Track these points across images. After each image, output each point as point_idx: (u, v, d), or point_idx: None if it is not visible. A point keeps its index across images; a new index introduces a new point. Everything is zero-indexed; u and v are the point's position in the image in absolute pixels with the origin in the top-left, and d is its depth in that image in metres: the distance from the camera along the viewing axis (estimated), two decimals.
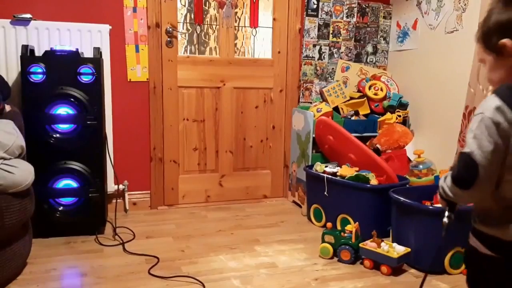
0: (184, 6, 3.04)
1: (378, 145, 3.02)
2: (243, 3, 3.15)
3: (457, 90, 2.73)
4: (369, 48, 3.43)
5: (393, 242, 2.20)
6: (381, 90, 3.20)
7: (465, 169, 1.02)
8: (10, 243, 1.89)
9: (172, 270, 2.10)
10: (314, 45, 3.28)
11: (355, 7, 3.34)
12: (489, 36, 1.10)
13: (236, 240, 2.53)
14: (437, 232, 2.08)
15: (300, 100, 3.31)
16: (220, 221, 2.85)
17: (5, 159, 1.86)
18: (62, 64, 2.40)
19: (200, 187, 3.18)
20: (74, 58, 2.44)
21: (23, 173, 1.91)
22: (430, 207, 2.23)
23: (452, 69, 2.84)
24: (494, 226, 1.06)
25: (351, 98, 3.22)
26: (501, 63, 1.09)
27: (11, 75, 2.51)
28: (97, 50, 2.55)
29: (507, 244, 1.05)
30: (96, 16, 2.72)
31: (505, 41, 1.05)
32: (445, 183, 1.09)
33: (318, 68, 3.32)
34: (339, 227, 2.56)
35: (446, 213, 1.18)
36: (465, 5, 2.76)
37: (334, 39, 3.33)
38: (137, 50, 2.86)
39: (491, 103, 1.02)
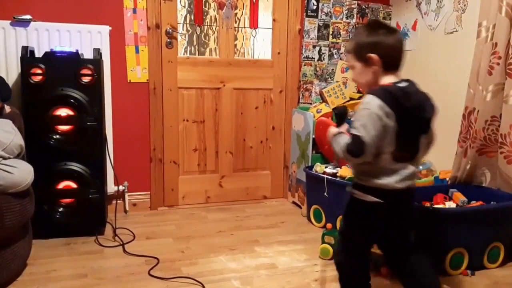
0: (184, 7, 3.04)
1: None
2: (243, 4, 3.16)
3: (456, 91, 2.74)
4: None
5: None
6: None
7: (357, 146, 1.47)
8: (10, 244, 1.89)
9: (172, 271, 2.10)
10: (314, 46, 3.29)
11: (355, 8, 3.34)
12: (361, 50, 1.57)
13: (236, 241, 2.53)
14: (437, 233, 2.09)
15: (300, 101, 3.31)
16: (220, 222, 2.85)
17: (3, 157, 1.86)
18: (62, 65, 2.40)
19: (200, 188, 3.19)
20: (74, 59, 2.44)
21: (23, 173, 1.91)
22: (430, 208, 2.23)
23: (452, 70, 2.85)
24: (381, 179, 1.53)
25: (351, 99, 3.22)
26: (367, 70, 1.57)
27: (11, 76, 2.51)
28: (97, 51, 2.55)
29: (387, 191, 1.54)
30: (96, 17, 2.72)
31: (372, 55, 1.54)
32: (339, 148, 1.53)
33: (318, 69, 3.32)
34: (339, 228, 2.56)
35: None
36: (464, 6, 2.76)
37: (334, 40, 3.33)
38: (137, 51, 2.87)
39: (376, 102, 1.47)
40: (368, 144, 1.45)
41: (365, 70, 1.57)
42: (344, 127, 1.63)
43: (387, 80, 1.56)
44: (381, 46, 1.54)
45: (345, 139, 1.52)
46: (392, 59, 1.56)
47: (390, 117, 1.47)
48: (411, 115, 1.49)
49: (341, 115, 1.71)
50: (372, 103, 1.47)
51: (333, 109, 1.73)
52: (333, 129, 1.62)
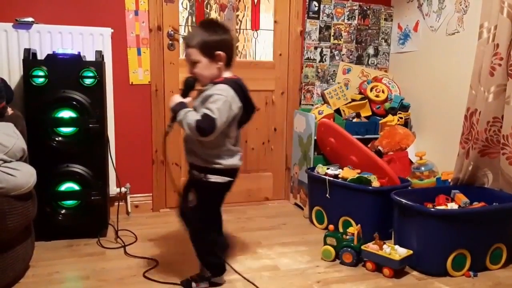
0: (186, 9, 3.05)
1: (379, 147, 3.02)
2: (244, 6, 3.16)
3: (458, 91, 2.73)
4: (371, 50, 3.44)
5: (395, 244, 2.19)
6: (383, 92, 3.20)
7: (209, 126, 1.65)
8: (12, 246, 1.90)
9: (174, 273, 2.10)
10: (316, 47, 3.29)
11: (356, 9, 3.35)
12: (207, 47, 1.72)
13: (238, 242, 2.52)
14: (439, 234, 2.09)
15: (302, 103, 3.31)
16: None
17: (5, 161, 1.87)
18: (64, 68, 2.41)
19: None
20: (76, 62, 2.44)
21: (25, 175, 1.91)
22: (432, 209, 2.22)
23: (453, 71, 2.84)
24: (228, 160, 1.79)
25: (353, 100, 3.22)
26: (213, 65, 1.75)
27: (14, 78, 2.52)
28: (99, 54, 2.56)
29: (234, 170, 1.84)
30: (98, 19, 2.73)
31: (219, 52, 1.73)
32: (187, 124, 1.68)
33: (319, 70, 3.32)
34: (341, 229, 2.56)
35: (170, 123, 1.82)
36: (466, 7, 2.76)
37: (336, 41, 3.33)
38: (139, 53, 2.87)
39: (231, 92, 1.71)
40: (217, 127, 1.66)
41: (211, 65, 1.75)
42: (188, 99, 1.80)
43: (227, 74, 1.79)
44: (225, 44, 1.74)
45: (195, 116, 1.68)
46: (231, 55, 1.79)
47: (240, 107, 1.74)
48: (248, 105, 1.80)
49: (189, 87, 1.82)
50: (228, 92, 1.71)
51: (185, 78, 1.85)
52: (177, 98, 1.79)
